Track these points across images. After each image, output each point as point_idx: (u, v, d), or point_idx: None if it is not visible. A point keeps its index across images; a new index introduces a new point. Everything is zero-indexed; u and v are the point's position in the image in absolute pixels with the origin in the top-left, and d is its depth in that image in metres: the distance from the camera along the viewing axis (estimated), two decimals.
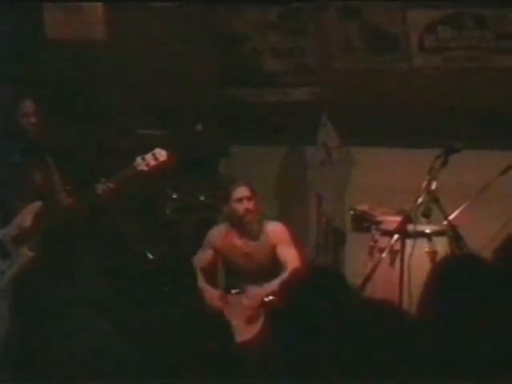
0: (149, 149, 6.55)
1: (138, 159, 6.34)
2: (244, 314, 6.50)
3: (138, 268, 7.27)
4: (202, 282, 6.75)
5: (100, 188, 6.29)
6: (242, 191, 6.70)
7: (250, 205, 6.69)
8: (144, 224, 7.60)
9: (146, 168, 6.35)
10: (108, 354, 2.90)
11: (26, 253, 6.28)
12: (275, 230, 6.82)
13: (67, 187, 6.43)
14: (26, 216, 6.32)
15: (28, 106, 6.38)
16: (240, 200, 6.68)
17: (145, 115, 7.93)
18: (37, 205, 6.35)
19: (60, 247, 6.32)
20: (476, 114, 7.58)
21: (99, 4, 7.97)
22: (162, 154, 6.39)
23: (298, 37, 7.94)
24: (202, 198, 7.77)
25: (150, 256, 7.39)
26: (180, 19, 7.90)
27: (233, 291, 6.79)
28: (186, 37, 8.01)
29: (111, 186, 6.29)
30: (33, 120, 6.35)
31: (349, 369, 2.85)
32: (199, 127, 7.94)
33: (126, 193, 6.52)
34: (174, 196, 7.71)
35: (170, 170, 6.55)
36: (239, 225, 6.76)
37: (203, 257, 6.85)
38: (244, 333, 6.34)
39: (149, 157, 6.35)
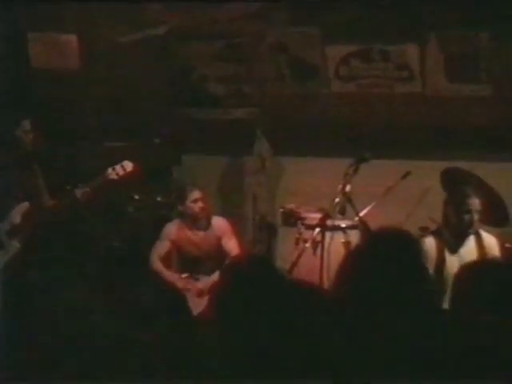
0: (115, 158, 6.55)
1: (109, 169, 6.38)
2: (193, 294, 6.48)
3: (106, 255, 7.23)
4: (159, 266, 6.77)
5: (79, 192, 6.30)
6: (196, 193, 6.78)
7: (203, 204, 6.76)
8: (111, 220, 7.57)
9: (115, 177, 6.39)
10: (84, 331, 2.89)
11: (15, 244, 6.27)
12: (220, 223, 6.89)
13: (67, 187, 6.42)
14: (16, 214, 6.31)
15: (26, 125, 6.38)
16: (196, 201, 6.74)
17: (112, 130, 7.87)
18: (25, 205, 6.33)
19: (43, 239, 6.28)
20: (381, 129, 7.61)
21: (74, 38, 7.91)
22: (128, 165, 6.44)
23: (237, 66, 7.94)
24: (158, 199, 7.73)
25: (116, 245, 7.37)
26: (142, 51, 7.82)
27: (183, 275, 6.80)
28: (146, 66, 7.93)
29: (88, 190, 6.30)
30: (30, 136, 6.35)
31: (277, 338, 2.85)
32: (157, 140, 7.92)
33: (99, 196, 6.51)
34: (136, 197, 7.65)
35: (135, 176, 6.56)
36: (193, 220, 6.80)
37: (162, 247, 6.84)
38: (194, 308, 6.38)
39: (118, 167, 6.40)
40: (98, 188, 6.35)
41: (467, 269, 3.23)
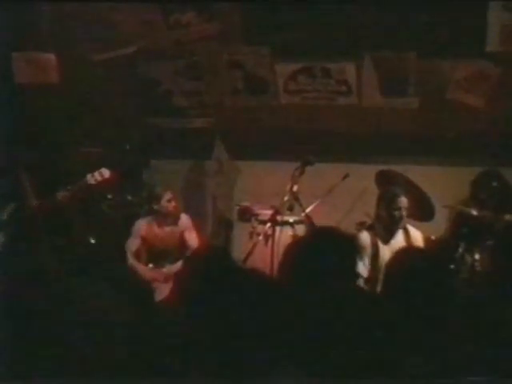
0: (92, 163, 6.53)
1: (88, 176, 6.29)
2: (160, 281, 6.53)
3: (83, 249, 7.20)
4: (133, 262, 6.79)
5: (59, 195, 6.27)
6: (169, 194, 6.79)
7: (175, 203, 6.80)
8: (87, 217, 7.55)
9: (94, 182, 6.29)
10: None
11: (1, 238, 6.23)
12: (184, 220, 6.90)
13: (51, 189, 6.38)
14: (4, 213, 6.28)
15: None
16: (170, 200, 6.77)
17: (88, 137, 7.83)
18: (12, 205, 6.31)
19: (27, 235, 6.26)
20: (324, 136, 7.64)
21: (53, 56, 7.83)
22: (106, 172, 6.35)
23: (198, 81, 7.90)
24: (129, 198, 7.70)
25: (92, 240, 7.35)
26: (114, 68, 7.75)
27: (150, 265, 6.84)
28: (118, 81, 7.87)
29: (67, 194, 6.27)
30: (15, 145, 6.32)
31: (233, 321, 2.77)
32: (128, 146, 7.92)
33: (78, 198, 6.47)
34: (109, 196, 7.61)
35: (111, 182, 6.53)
36: (164, 218, 6.81)
37: (133, 244, 6.85)
38: (158, 295, 6.41)
39: (96, 174, 6.30)
40: (77, 191, 6.30)
41: (397, 258, 3.32)
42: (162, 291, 6.26)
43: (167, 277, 6.54)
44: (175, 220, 6.86)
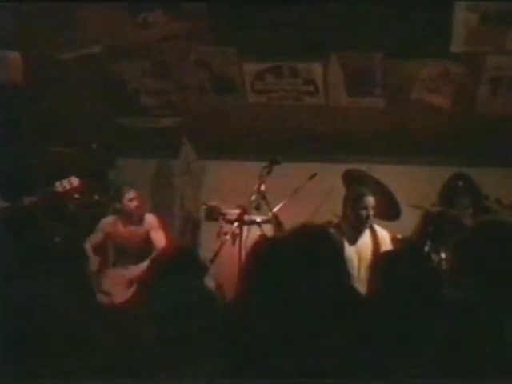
0: (58, 162, 6.44)
1: (57, 183, 6.23)
2: (122, 283, 6.50)
3: (48, 249, 7.13)
4: (90, 252, 6.73)
5: (26, 200, 6.19)
6: (132, 193, 6.77)
7: (137, 203, 6.74)
8: (54, 217, 7.48)
9: (61, 190, 6.24)
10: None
11: None
12: (150, 219, 6.88)
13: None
14: None
15: None
16: (132, 199, 6.74)
17: (56, 137, 7.79)
18: None
19: None
20: (291, 136, 7.66)
21: (18, 55, 7.78)
22: (75, 180, 6.30)
23: (165, 81, 7.86)
24: (96, 197, 7.66)
25: (58, 239, 7.28)
26: (80, 67, 7.66)
27: (117, 266, 6.81)
28: (84, 80, 7.81)
29: (34, 200, 6.18)
30: None
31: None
32: (94, 146, 7.86)
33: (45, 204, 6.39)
34: (76, 196, 7.58)
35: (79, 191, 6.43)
36: (127, 216, 6.77)
37: (95, 237, 6.84)
38: (121, 296, 6.35)
39: (65, 182, 6.25)
40: (44, 198, 6.21)
41: (381, 260, 3.29)
42: (124, 293, 6.21)
43: (130, 279, 6.48)
44: (140, 219, 6.79)
